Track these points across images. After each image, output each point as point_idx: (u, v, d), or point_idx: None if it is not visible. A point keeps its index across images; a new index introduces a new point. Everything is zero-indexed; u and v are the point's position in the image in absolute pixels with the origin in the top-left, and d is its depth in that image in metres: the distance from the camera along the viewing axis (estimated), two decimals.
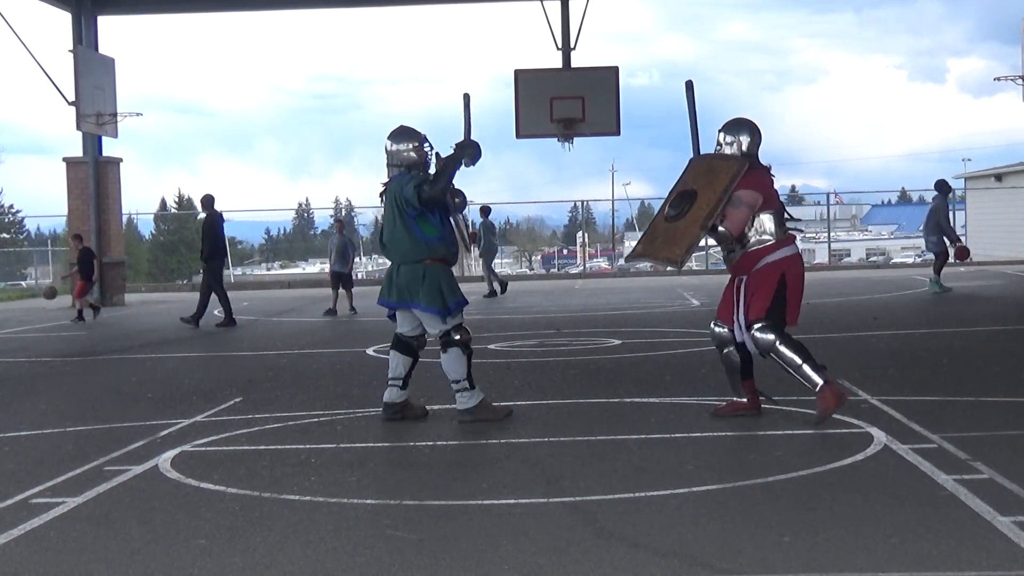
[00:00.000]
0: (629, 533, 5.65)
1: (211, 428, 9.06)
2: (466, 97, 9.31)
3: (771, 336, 8.29)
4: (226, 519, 6.23)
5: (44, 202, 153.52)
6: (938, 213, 21.69)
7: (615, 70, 26.96)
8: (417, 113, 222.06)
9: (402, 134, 9.18)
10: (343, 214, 44.33)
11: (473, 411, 8.95)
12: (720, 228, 8.39)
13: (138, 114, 28.86)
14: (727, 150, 8.68)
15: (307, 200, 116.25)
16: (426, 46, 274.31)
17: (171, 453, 8.00)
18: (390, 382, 9.21)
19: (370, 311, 22.45)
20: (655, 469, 7.16)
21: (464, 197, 9.38)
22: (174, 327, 20.12)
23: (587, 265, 52.89)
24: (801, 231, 8.79)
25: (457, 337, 8.94)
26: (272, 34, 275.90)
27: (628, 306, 22.29)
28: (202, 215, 21.94)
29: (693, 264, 48.29)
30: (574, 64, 27.28)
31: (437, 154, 9.09)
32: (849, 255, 61.79)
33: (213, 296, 20.55)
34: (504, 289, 27.11)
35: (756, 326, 8.32)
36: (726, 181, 8.41)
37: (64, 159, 28.80)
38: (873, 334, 15.01)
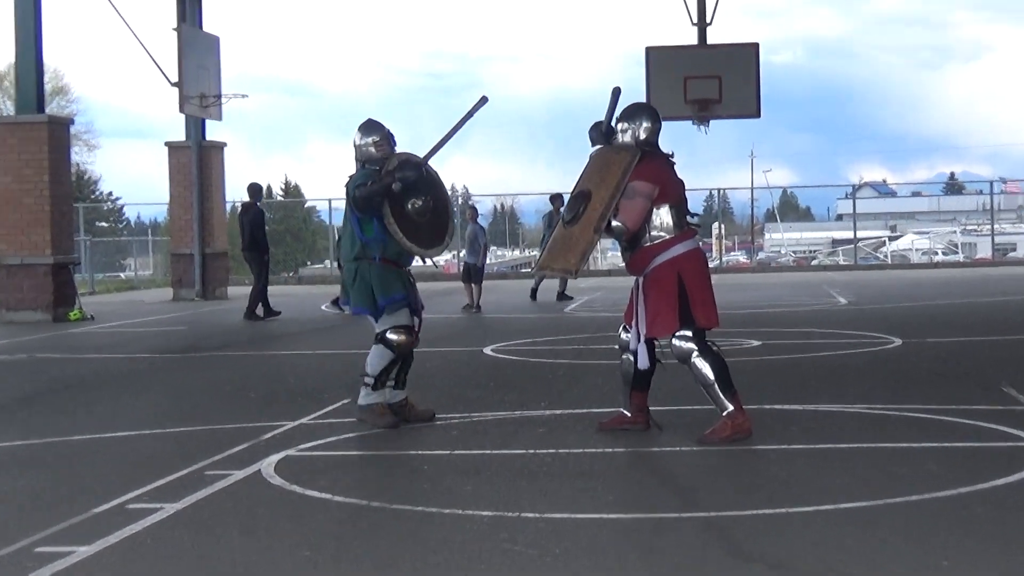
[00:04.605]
0: (769, 552, 5.58)
1: (317, 431, 9.15)
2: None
3: (690, 346, 8.24)
4: (332, 529, 6.29)
5: (144, 189, 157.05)
6: None
7: (755, 47, 26.74)
8: (539, 93, 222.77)
9: (366, 127, 9.29)
10: (472, 200, 44.18)
11: (363, 409, 9.08)
12: (615, 223, 8.31)
13: (243, 95, 29.38)
14: (622, 138, 8.55)
15: None
16: (549, 21, 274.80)
17: (275, 457, 8.09)
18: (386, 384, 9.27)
19: (494, 308, 22.57)
20: (798, 483, 7.08)
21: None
22: (278, 322, 20.43)
23: (723, 259, 52.50)
24: (699, 227, 8.64)
25: (391, 338, 9.02)
26: (384, 9, 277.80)
27: (768, 304, 22.10)
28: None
29: (841, 259, 47.64)
30: (710, 41, 27.03)
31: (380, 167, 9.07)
32: (1015, 249, 60.36)
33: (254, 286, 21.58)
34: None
35: (676, 334, 8.27)
36: (618, 175, 8.36)
37: (166, 143, 29.42)
38: None
